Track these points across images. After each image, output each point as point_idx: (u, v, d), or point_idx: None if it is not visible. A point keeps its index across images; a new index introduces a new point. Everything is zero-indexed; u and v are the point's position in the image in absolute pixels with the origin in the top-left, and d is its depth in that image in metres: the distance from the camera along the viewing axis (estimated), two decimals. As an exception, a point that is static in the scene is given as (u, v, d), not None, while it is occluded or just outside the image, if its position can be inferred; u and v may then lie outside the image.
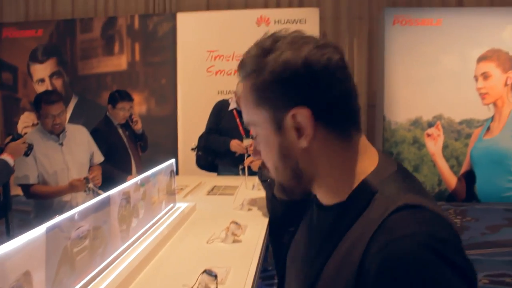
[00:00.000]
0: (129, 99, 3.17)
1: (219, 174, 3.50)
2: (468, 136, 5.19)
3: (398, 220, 0.61)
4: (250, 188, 2.89)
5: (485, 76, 5.27)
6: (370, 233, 0.62)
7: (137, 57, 4.91)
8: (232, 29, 4.77)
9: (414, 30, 5.23)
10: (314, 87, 0.66)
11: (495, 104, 5.25)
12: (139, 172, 2.65)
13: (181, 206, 2.26)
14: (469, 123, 5.21)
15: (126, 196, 1.50)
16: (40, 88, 4.88)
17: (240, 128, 3.25)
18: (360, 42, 5.60)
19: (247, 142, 3.06)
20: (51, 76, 4.93)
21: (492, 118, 5.22)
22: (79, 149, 2.54)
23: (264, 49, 0.69)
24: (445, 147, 5.03)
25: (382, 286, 0.58)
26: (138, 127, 3.21)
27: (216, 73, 4.79)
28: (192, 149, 3.65)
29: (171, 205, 2.16)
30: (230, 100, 3.43)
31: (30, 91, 4.94)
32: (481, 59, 5.29)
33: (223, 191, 2.92)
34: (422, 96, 5.09)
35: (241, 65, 0.72)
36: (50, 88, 4.88)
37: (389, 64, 5.17)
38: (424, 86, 5.05)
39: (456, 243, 0.60)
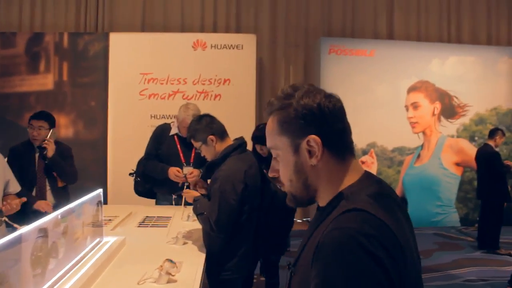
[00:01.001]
0: (45, 118, 2.86)
1: (157, 203, 3.25)
2: (400, 163, 5.35)
3: (342, 218, 0.83)
4: (185, 219, 2.71)
5: (415, 106, 5.50)
6: (328, 225, 0.84)
7: (65, 76, 4.60)
8: (168, 52, 4.63)
9: (348, 60, 5.37)
10: (324, 123, 0.93)
11: (424, 132, 5.48)
12: (59, 204, 2.37)
13: (109, 240, 2.04)
14: (401, 150, 5.37)
15: (43, 233, 1.29)
16: (-48, 107, 4.43)
17: (181, 154, 3.04)
18: (296, 69, 5.65)
19: (186, 170, 2.86)
20: (-35, 94, 4.48)
21: (422, 146, 5.43)
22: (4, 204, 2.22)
23: (288, 94, 0.95)
24: (378, 174, 5.13)
25: (316, 262, 0.81)
26: (48, 154, 2.81)
27: (150, 96, 4.60)
28: (130, 174, 3.39)
29: (98, 239, 1.94)
30: (171, 125, 3.21)
31: None
32: (411, 89, 5.53)
33: (155, 222, 2.71)
34: (356, 124, 5.10)
35: (269, 104, 0.97)
36: (-37, 107, 4.43)
37: (327, 90, 5.21)
38: (359, 114, 5.16)
39: (381, 240, 0.79)
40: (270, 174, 1.02)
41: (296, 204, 0.99)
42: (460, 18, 6.03)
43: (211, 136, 2.25)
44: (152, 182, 3.18)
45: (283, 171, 0.97)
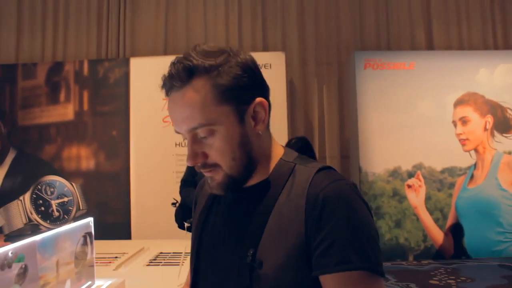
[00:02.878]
0: None
1: None
2: (452, 185, 4.78)
3: (322, 176, 0.82)
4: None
5: (464, 121, 4.96)
6: (305, 190, 0.81)
7: (85, 106, 4.40)
8: (191, 75, 4.36)
9: (386, 74, 4.94)
10: (262, 82, 0.85)
11: (476, 150, 4.91)
12: None
13: (102, 284, 1.68)
14: (451, 171, 4.82)
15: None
16: (-28, 142, 4.30)
17: None
18: (330, 88, 5.25)
19: None
20: (-15, 128, 4.35)
21: (475, 166, 4.86)
22: None
23: (207, 52, 0.81)
24: (427, 198, 4.61)
25: (328, 212, 0.77)
26: None
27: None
28: (173, 204, 3.10)
29: (87, 284, 1.58)
30: None
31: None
32: (458, 103, 5.00)
33: (169, 260, 2.34)
34: (399, 144, 4.72)
35: (185, 68, 0.79)
36: (-16, 142, 4.29)
37: (362, 111, 4.82)
38: (401, 133, 4.70)
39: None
40: (191, 162, 0.83)
41: (229, 188, 0.84)
42: (507, 22, 5.51)
43: None
44: (190, 212, 2.83)
45: (223, 149, 0.82)
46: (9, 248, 1.11)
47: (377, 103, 4.82)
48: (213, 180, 0.85)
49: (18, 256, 1.14)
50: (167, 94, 0.84)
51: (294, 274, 0.77)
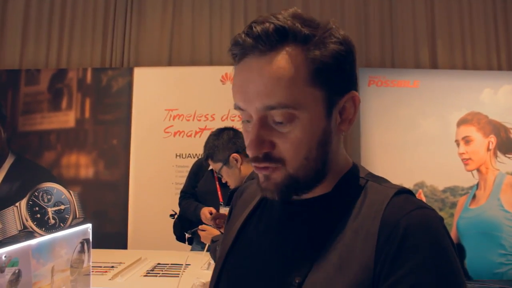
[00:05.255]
0: None
1: (192, 249, 2.85)
2: (453, 205, 4.74)
3: (403, 200, 0.65)
4: (205, 268, 2.27)
5: (467, 140, 4.94)
6: (379, 213, 0.64)
7: (87, 114, 4.37)
8: (194, 87, 4.35)
9: (391, 92, 4.93)
10: (355, 73, 0.69)
11: (479, 170, 4.87)
12: None
13: (99, 293, 1.64)
14: (453, 191, 4.78)
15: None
16: (-28, 146, 4.26)
17: (219, 192, 2.66)
18: (333, 104, 5.24)
19: (224, 211, 2.46)
20: (-15, 132, 4.31)
21: (477, 186, 4.82)
22: None
23: (304, 20, 0.62)
24: (429, 217, 4.55)
25: (411, 246, 0.58)
26: None
27: (175, 133, 4.28)
28: (171, 215, 3.07)
29: (84, 294, 1.53)
30: None
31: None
32: (461, 122, 4.99)
33: (167, 271, 2.29)
34: (401, 162, 4.69)
35: (279, 31, 0.61)
36: (-17, 146, 4.25)
37: (365, 128, 4.80)
38: (403, 151, 4.68)
39: None
40: (255, 150, 0.64)
41: (288, 193, 0.67)
42: (511, 44, 5.53)
43: (234, 155, 1.85)
44: (189, 224, 2.80)
45: (300, 141, 0.65)
46: (3, 252, 1.07)
47: (380, 120, 4.81)
48: (269, 179, 0.68)
49: (12, 260, 1.10)
50: (238, 59, 0.67)
51: None
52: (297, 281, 0.62)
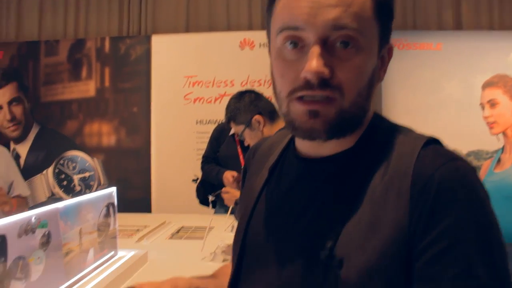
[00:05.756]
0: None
1: (216, 212, 2.89)
2: (478, 169, 4.67)
3: (433, 152, 0.62)
4: (229, 230, 2.30)
5: (492, 103, 4.82)
6: (409, 167, 0.59)
7: (107, 82, 4.39)
8: (213, 53, 4.31)
9: (412, 55, 4.81)
10: None
11: (504, 134, 4.77)
12: None
13: (125, 255, 1.67)
14: (477, 154, 4.71)
15: (-5, 243, 0.93)
16: (-4, 116, 4.34)
17: (241, 156, 2.65)
18: (354, 68, 5.14)
19: None
20: (10, 103, 4.38)
21: (502, 149, 4.72)
22: None
23: None
24: (452, 181, 4.50)
25: (447, 201, 0.55)
26: None
27: (195, 100, 4.28)
28: (193, 180, 3.10)
29: (110, 254, 1.57)
30: None
31: (-14, 119, 4.39)
32: (487, 85, 4.85)
33: (191, 234, 2.33)
34: (424, 126, 4.53)
35: None
36: (8, 116, 4.33)
37: (387, 92, 4.72)
38: (426, 115, 4.60)
39: None
40: (318, 68, 0.58)
41: (334, 133, 0.61)
42: (541, 2, 5.30)
43: (257, 117, 1.83)
44: (211, 188, 2.81)
45: (361, 70, 0.61)
46: (32, 214, 1.09)
47: (403, 84, 4.72)
48: (318, 116, 0.61)
49: (42, 222, 1.13)
50: None
51: (386, 282, 0.56)
52: (328, 245, 0.58)
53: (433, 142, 0.66)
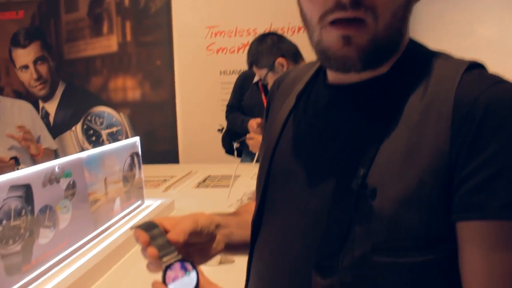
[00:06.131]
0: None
1: (242, 161, 2.90)
2: None
3: (476, 75, 0.57)
4: (255, 178, 2.30)
5: (528, 44, 4.59)
6: (450, 91, 0.55)
7: (128, 37, 4.36)
8: (233, 2, 4.19)
9: (442, -5, 4.58)
10: None
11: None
12: None
13: (152, 204, 1.70)
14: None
15: (20, 192, 0.94)
16: (23, 76, 4.39)
17: (265, 103, 2.62)
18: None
19: None
20: (35, 62, 4.42)
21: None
22: (16, 132, 1.93)
23: None
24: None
25: (494, 125, 0.50)
26: None
27: (217, 51, 4.21)
28: (219, 130, 3.11)
29: (138, 202, 1.60)
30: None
31: (13, 79, 4.45)
32: (523, 25, 4.61)
33: (218, 183, 2.35)
34: (455, 70, 4.44)
35: None
36: (34, 75, 4.38)
37: (416, 35, 4.52)
38: (457, 58, 4.42)
39: None
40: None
41: (367, 60, 0.56)
42: None
43: (280, 59, 1.78)
44: (237, 137, 2.80)
45: None
46: (56, 163, 1.10)
47: (432, 27, 4.52)
48: (351, 43, 0.57)
49: (65, 172, 1.14)
50: None
51: (424, 213, 0.52)
52: (360, 173, 0.54)
53: (477, 67, 0.60)
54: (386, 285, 0.54)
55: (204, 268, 1.22)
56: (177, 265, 0.53)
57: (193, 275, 0.53)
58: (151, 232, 0.58)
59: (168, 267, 0.53)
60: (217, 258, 1.23)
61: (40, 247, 1.00)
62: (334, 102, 0.64)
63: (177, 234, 0.60)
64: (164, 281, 0.52)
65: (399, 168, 0.53)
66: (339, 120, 0.62)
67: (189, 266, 0.53)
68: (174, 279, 0.52)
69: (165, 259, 0.54)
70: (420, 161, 0.52)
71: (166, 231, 0.62)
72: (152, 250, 0.56)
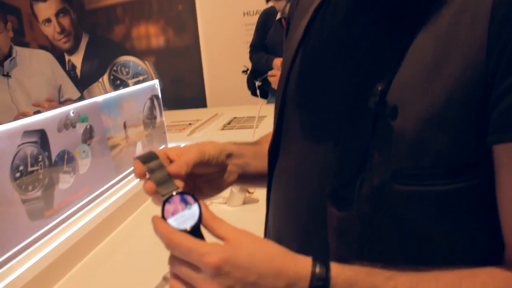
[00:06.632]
0: None
1: (268, 102, 2.85)
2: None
3: None
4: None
5: None
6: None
7: (148, -18, 4.25)
8: None
9: None
10: None
11: None
12: None
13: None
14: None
15: (35, 138, 0.93)
16: (47, 29, 4.38)
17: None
18: None
19: None
20: (57, 15, 4.38)
21: None
22: (36, 82, 1.92)
23: None
24: None
25: None
26: None
27: (240, -9, 4.06)
28: (243, 71, 3.05)
29: (161, 147, 1.59)
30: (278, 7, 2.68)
31: (38, 34, 4.45)
32: None
33: (243, 124, 2.31)
34: None
35: None
36: (57, 28, 4.36)
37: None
38: None
39: None
40: None
41: None
42: None
43: None
44: (261, 76, 2.74)
45: None
46: (71, 108, 1.08)
47: None
48: None
49: (81, 116, 1.12)
50: None
51: (453, 134, 0.44)
52: (379, 88, 0.47)
53: None
54: (408, 218, 0.48)
55: (228, 208, 1.21)
56: (177, 198, 0.50)
57: (194, 208, 0.49)
58: (149, 164, 0.55)
59: (166, 200, 0.50)
60: (241, 197, 1.21)
61: (61, 192, 1.00)
62: (353, 12, 0.56)
63: (179, 166, 0.56)
64: (163, 215, 0.49)
65: (423, 83, 0.45)
66: (359, 31, 0.54)
67: (190, 199, 0.50)
68: (173, 213, 0.49)
69: (163, 192, 0.51)
70: (448, 74, 0.44)
71: (171, 162, 0.59)
72: (148, 184, 0.53)
